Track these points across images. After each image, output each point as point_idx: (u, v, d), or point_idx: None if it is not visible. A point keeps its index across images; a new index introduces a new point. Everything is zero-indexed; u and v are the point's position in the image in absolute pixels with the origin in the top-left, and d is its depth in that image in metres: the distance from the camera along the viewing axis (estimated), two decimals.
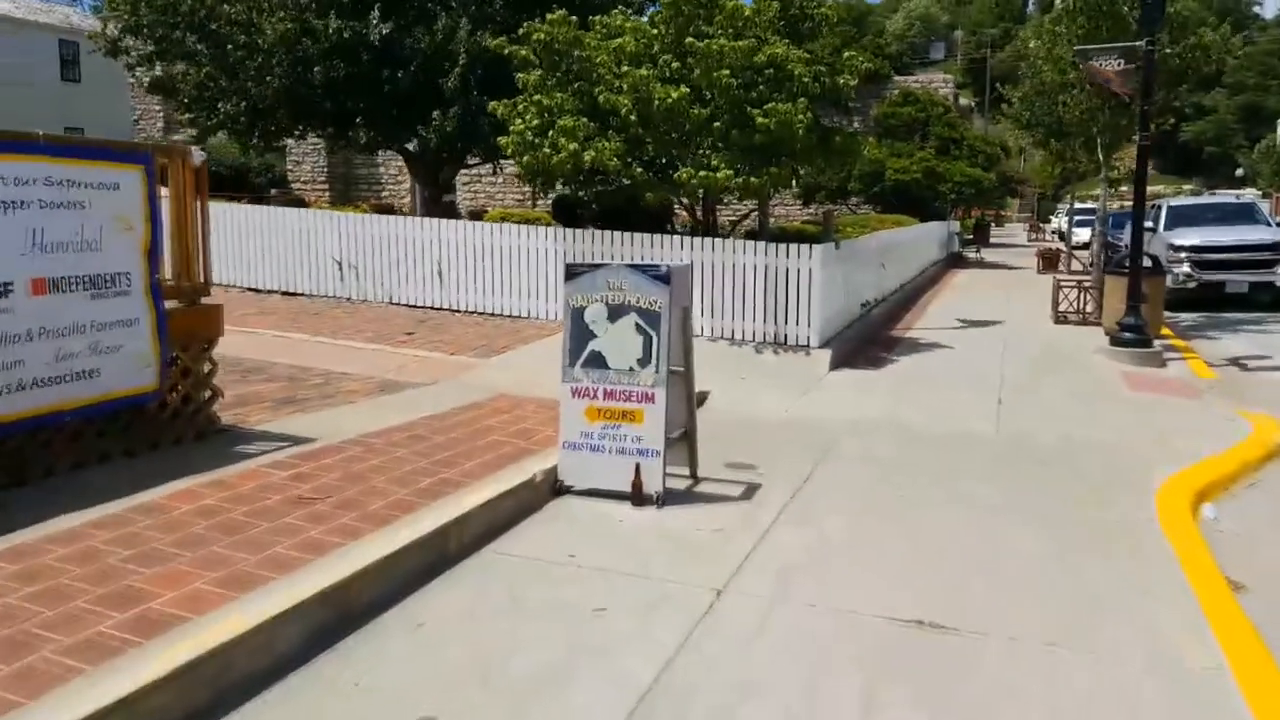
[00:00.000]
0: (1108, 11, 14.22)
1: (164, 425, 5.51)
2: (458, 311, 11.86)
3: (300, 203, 30.57)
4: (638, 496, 5.41)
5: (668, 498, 5.44)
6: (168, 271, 5.60)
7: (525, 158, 10.61)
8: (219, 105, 15.86)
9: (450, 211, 34.09)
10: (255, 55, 14.76)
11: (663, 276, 5.47)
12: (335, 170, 37.34)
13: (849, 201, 28.59)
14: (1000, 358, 10.93)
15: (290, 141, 35.08)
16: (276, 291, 12.87)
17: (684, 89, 10.13)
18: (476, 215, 32.59)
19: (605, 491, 5.50)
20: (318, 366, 8.50)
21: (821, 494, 5.79)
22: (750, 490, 5.79)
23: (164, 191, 5.46)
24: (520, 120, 10.78)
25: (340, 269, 12.46)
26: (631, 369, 5.51)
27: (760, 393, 8.62)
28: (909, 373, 10.02)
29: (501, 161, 18.70)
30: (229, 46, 14.78)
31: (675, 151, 10.79)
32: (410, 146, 18.51)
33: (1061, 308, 14.60)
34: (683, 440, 5.84)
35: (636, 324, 5.50)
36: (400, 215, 14.09)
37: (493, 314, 11.71)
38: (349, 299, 12.45)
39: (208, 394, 5.87)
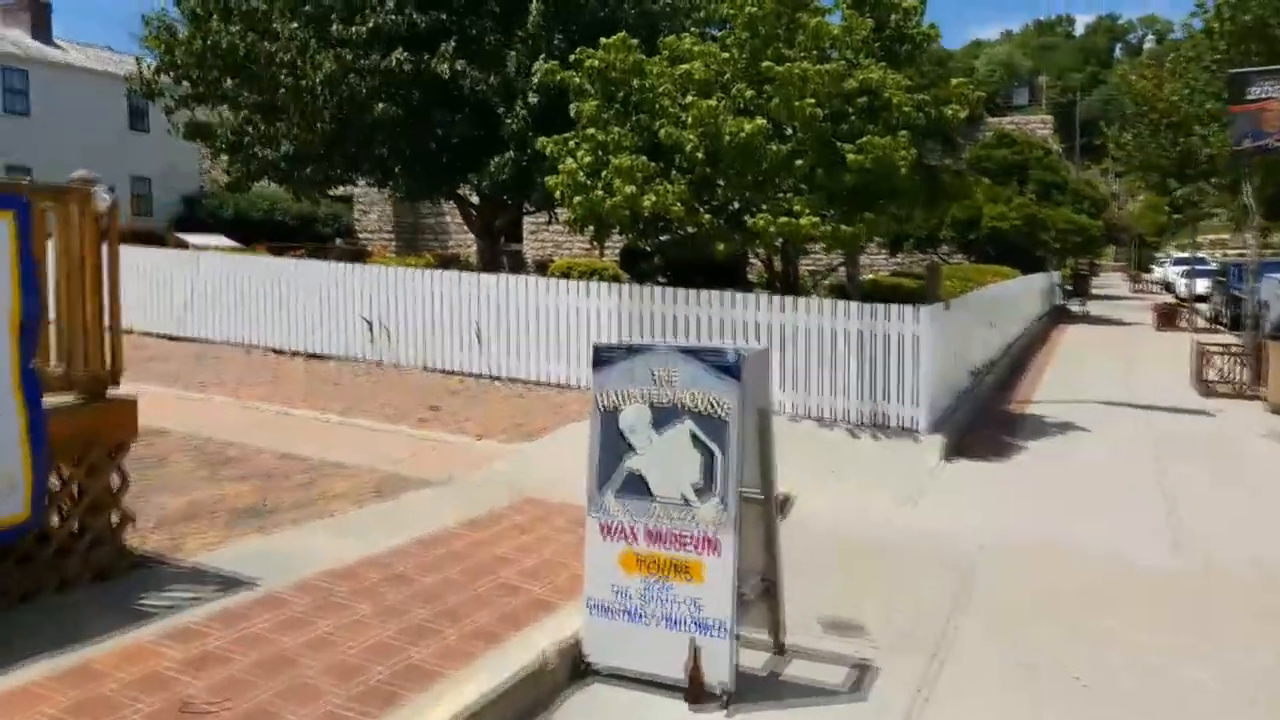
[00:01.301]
0: (1259, 33, 12.23)
1: (45, 567, 4.03)
2: (497, 379, 10.36)
3: (361, 254, 29.87)
4: (695, 691, 3.71)
5: (739, 693, 3.72)
6: (53, 355, 4.17)
7: (576, 201, 9.13)
8: (257, 150, 14.91)
9: (516, 261, 33.14)
10: (301, 97, 13.74)
11: (730, 367, 3.81)
12: (402, 219, 36.81)
13: (939, 250, 26.57)
14: (1152, 444, 8.94)
15: (357, 190, 34.80)
16: (302, 353, 11.58)
17: (760, 121, 8.55)
18: (542, 265, 31.45)
19: (647, 679, 3.81)
20: (311, 455, 7.03)
21: (967, 681, 4.00)
22: (861, 676, 4.03)
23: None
24: (571, 159, 9.32)
25: (370, 330, 11.11)
26: (686, 500, 3.84)
27: (859, 494, 6.85)
28: (1043, 465, 8.12)
29: (558, 209, 17.33)
30: (278, 90, 13.79)
31: (750, 195, 9.19)
32: (467, 194, 17.35)
33: (1208, 377, 12.44)
34: (762, 597, 4.12)
35: (693, 435, 3.84)
36: (435, 269, 12.73)
37: (536, 382, 10.17)
38: (379, 363, 11.07)
39: (115, 518, 4.38)
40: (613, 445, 3.97)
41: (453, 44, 13.52)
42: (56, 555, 4.07)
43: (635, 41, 9.48)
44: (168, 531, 5.10)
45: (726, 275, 22.65)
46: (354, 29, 13.48)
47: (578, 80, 9.68)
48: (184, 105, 15.16)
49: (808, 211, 8.54)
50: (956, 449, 8.40)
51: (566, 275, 26.99)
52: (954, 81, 10.16)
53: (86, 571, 4.20)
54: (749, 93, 8.98)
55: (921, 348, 8.49)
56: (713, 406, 3.80)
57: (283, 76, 13.41)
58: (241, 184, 16.87)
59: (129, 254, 13.81)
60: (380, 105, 13.14)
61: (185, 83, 14.94)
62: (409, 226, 37.30)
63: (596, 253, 31.66)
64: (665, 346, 3.98)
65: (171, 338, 12.53)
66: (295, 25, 13.93)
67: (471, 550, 5.08)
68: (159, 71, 14.88)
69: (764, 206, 9.05)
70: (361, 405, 8.89)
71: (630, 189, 8.60)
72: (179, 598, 4.17)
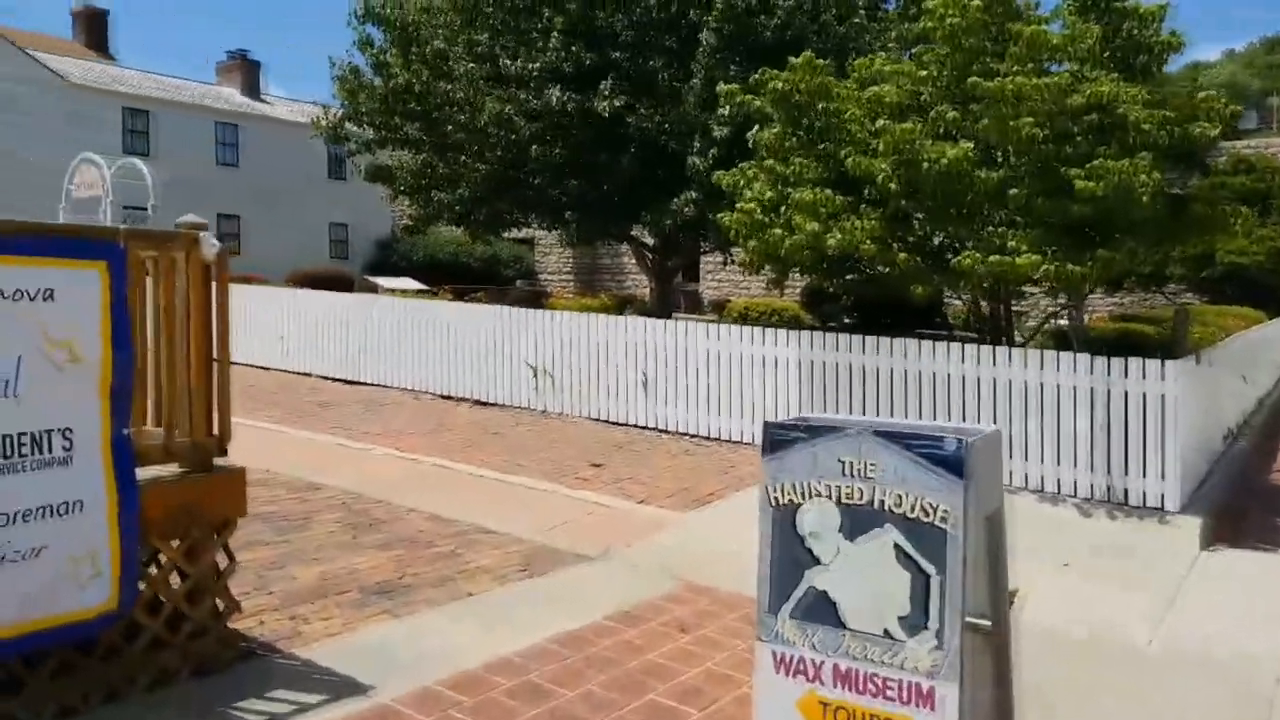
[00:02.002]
0: None
1: (136, 661, 3.58)
2: (665, 432, 9.65)
3: (539, 296, 30.23)
4: None
5: None
6: (149, 419, 3.77)
7: (752, 242, 8.34)
8: (434, 192, 15.10)
9: (693, 302, 32.69)
10: (472, 137, 13.77)
11: (950, 460, 2.86)
12: (580, 261, 37.27)
13: (1165, 289, 23.85)
14: None
15: (539, 233, 35.61)
16: (468, 400, 11.34)
17: (965, 145, 7.49)
18: (720, 306, 30.79)
19: None
20: (461, 518, 6.52)
21: None
22: None
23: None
24: (749, 191, 8.55)
25: (535, 376, 10.70)
26: (889, 635, 2.91)
27: (1101, 593, 5.61)
28: None
29: (733, 249, 16.62)
30: (447, 128, 13.91)
31: (953, 229, 8.09)
32: (640, 235, 16.96)
33: None
34: None
35: (898, 548, 2.92)
36: (602, 313, 12.23)
37: (706, 438, 9.39)
38: (544, 412, 10.63)
39: (220, 604, 3.91)
40: (790, 553, 3.10)
41: (610, 81, 13.12)
42: (150, 648, 3.61)
43: (823, 62, 8.64)
44: (290, 611, 4.63)
45: (920, 318, 21.16)
46: (520, 66, 13.37)
47: (759, 104, 8.92)
48: (367, 149, 15.61)
49: (1025, 247, 7.36)
50: (1218, 533, 6.90)
51: (744, 318, 26.13)
52: (1201, 94, 8.68)
53: (184, 666, 3.74)
54: (951, 114, 7.92)
55: (1170, 408, 7.09)
56: (926, 512, 2.87)
57: (456, 116, 13.46)
58: (421, 226, 17.20)
59: (307, 297, 14.40)
60: (538, 147, 12.90)
61: (369, 127, 15.40)
62: (587, 268, 37.71)
63: (777, 293, 30.72)
64: (860, 427, 3.08)
65: (347, 382, 12.65)
66: (471, 65, 14.00)
67: (621, 654, 4.31)
68: (345, 118, 15.39)
69: (970, 243, 7.93)
70: (521, 459, 8.39)
71: (813, 226, 7.71)
72: (279, 707, 3.63)
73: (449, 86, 14.17)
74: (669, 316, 17.32)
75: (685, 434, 9.57)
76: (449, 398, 11.55)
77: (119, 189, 21.09)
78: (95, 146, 23.65)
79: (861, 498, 2.98)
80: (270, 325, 13.80)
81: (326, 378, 12.93)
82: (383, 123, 15.13)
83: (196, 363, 3.69)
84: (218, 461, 3.89)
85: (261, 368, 13.76)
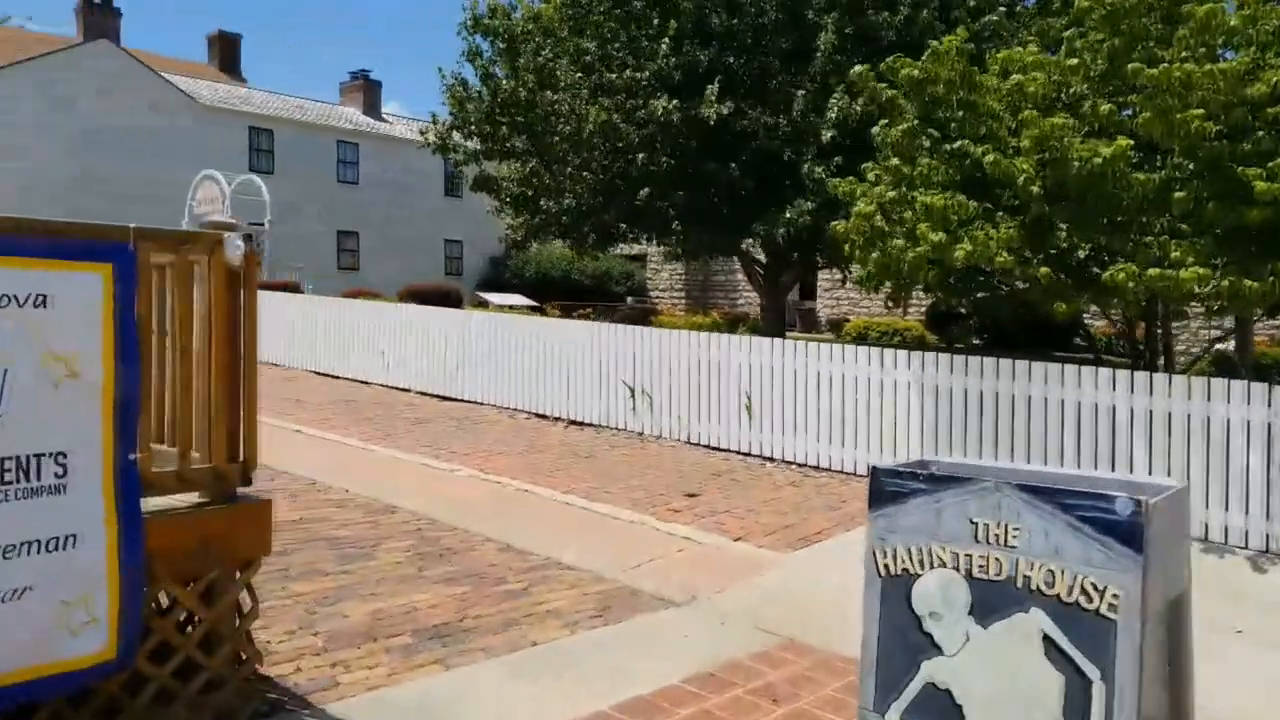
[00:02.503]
0: None
1: (139, 717, 3.18)
2: (769, 460, 8.98)
3: (648, 313, 29.90)
4: None
5: None
6: (166, 443, 3.39)
7: (873, 254, 7.62)
8: (540, 204, 14.85)
9: (808, 321, 31.68)
10: (578, 147, 13.46)
11: (1123, 527, 2.17)
12: (692, 277, 36.73)
13: None
14: None
15: (651, 248, 35.31)
16: (563, 420, 10.93)
17: (1124, 142, 6.59)
18: (837, 325, 29.74)
19: None
20: (537, 550, 6.03)
21: None
22: None
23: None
24: (865, 200, 7.84)
25: (632, 397, 10.19)
26: None
27: None
28: None
29: (850, 265, 15.78)
30: (552, 138, 13.64)
31: (1105, 239, 7.18)
32: (752, 249, 16.33)
33: None
34: None
35: (1048, 640, 2.24)
36: (705, 330, 11.66)
37: (815, 467, 8.68)
38: (640, 434, 10.11)
39: (244, 653, 3.50)
40: (902, 635, 2.45)
41: (717, 85, 12.55)
42: (155, 702, 3.21)
43: (970, 46, 7.88)
44: (333, 657, 4.21)
45: (1054, 340, 19.72)
46: (627, 74, 12.98)
47: (889, 94, 8.21)
48: (473, 160, 15.54)
49: (1190, 260, 6.41)
50: None
51: (862, 337, 25.18)
52: None
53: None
54: (1105, 109, 7.03)
55: None
56: (1088, 595, 2.18)
57: (561, 126, 13.17)
58: (526, 240, 17.02)
59: (406, 312, 14.34)
60: (644, 155, 12.43)
61: (475, 138, 15.32)
62: (699, 284, 37.14)
63: (899, 311, 29.48)
64: (998, 478, 2.40)
65: (442, 398, 12.45)
66: (578, 75, 13.71)
67: None
68: (452, 128, 15.35)
69: (1123, 255, 7.01)
70: (610, 486, 7.87)
71: (939, 236, 6.94)
72: None
73: (555, 97, 13.93)
74: (781, 336, 16.60)
75: (791, 463, 8.88)
76: (543, 417, 11.16)
77: (238, 205, 21.84)
78: (222, 164, 24.64)
79: (999, 571, 2.31)
80: (371, 340, 13.77)
81: (424, 393, 12.77)
82: (489, 133, 15.02)
83: (218, 380, 3.30)
84: (243, 491, 3.47)
85: (362, 382, 13.74)
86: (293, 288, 20.26)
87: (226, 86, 33.65)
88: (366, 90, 36.59)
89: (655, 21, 13.68)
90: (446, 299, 25.35)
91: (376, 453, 9.02)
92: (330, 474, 7.99)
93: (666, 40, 13.28)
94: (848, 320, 29.00)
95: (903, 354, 8.32)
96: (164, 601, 3.38)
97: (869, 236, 7.66)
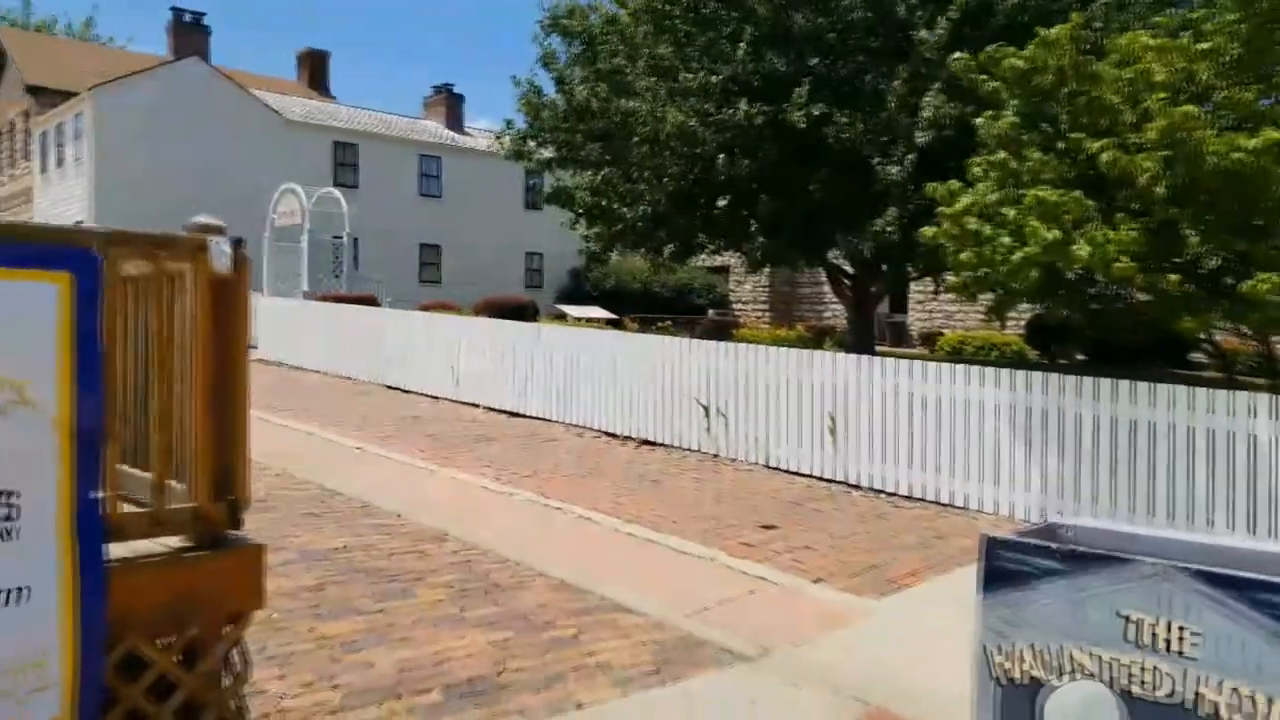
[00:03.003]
0: None
1: None
2: (854, 487, 8.30)
3: (729, 326, 29.26)
4: None
5: None
6: (133, 477, 2.96)
7: (964, 255, 6.91)
8: (615, 211, 14.41)
9: (899, 334, 30.56)
10: (653, 153, 12.99)
11: None
12: (776, 289, 35.90)
13: None
14: None
15: (733, 260, 34.63)
16: (633, 439, 10.41)
17: (1271, 134, 5.77)
18: (929, 339, 28.56)
19: None
20: (593, 589, 5.51)
21: None
22: None
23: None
24: (967, 195, 7.13)
25: (706, 416, 9.62)
26: None
27: None
28: None
29: (944, 274, 14.86)
30: (627, 142, 13.20)
31: (1245, 245, 6.33)
32: (837, 260, 15.59)
33: None
34: None
35: None
36: (787, 345, 11.00)
37: (905, 497, 7.97)
38: (714, 456, 9.53)
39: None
40: None
41: (806, 89, 11.92)
42: None
43: (1086, 31, 7.14)
44: (346, 716, 3.75)
45: (1168, 356, 18.38)
46: (703, 79, 12.46)
47: (990, 87, 7.50)
48: (547, 168, 15.22)
49: None
50: None
51: (957, 353, 24.04)
52: None
53: None
54: (1245, 96, 6.20)
55: None
56: None
57: (636, 130, 12.72)
58: (603, 251, 16.62)
59: (475, 326, 14.06)
60: (724, 158, 11.87)
61: (550, 145, 15.01)
62: (784, 297, 36.28)
63: (996, 325, 28.14)
64: (1158, 552, 1.76)
65: (511, 414, 12.08)
66: (654, 79, 13.25)
67: None
68: (526, 135, 15.07)
69: (1263, 263, 6.16)
70: (679, 514, 7.30)
71: (1053, 235, 6.20)
72: None
73: (630, 103, 13.51)
74: (870, 351, 15.79)
75: (878, 491, 8.18)
76: (612, 435, 10.67)
77: (317, 217, 22.03)
78: (308, 178, 24.98)
79: (1168, 690, 1.68)
80: (440, 354, 13.51)
81: (492, 409, 12.43)
82: (563, 140, 14.69)
83: (201, 406, 2.86)
84: (234, 536, 3.03)
85: (432, 397, 13.48)
86: (370, 301, 20.28)
87: (312, 102, 34.31)
88: (449, 104, 36.91)
89: (730, 26, 13.16)
90: (522, 312, 25.19)
91: (435, 474, 8.65)
92: (384, 496, 7.62)
93: (743, 44, 12.74)
94: (941, 334, 27.83)
95: (1005, 373, 7.56)
96: (136, 664, 2.95)
97: (962, 239, 6.94)
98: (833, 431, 8.47)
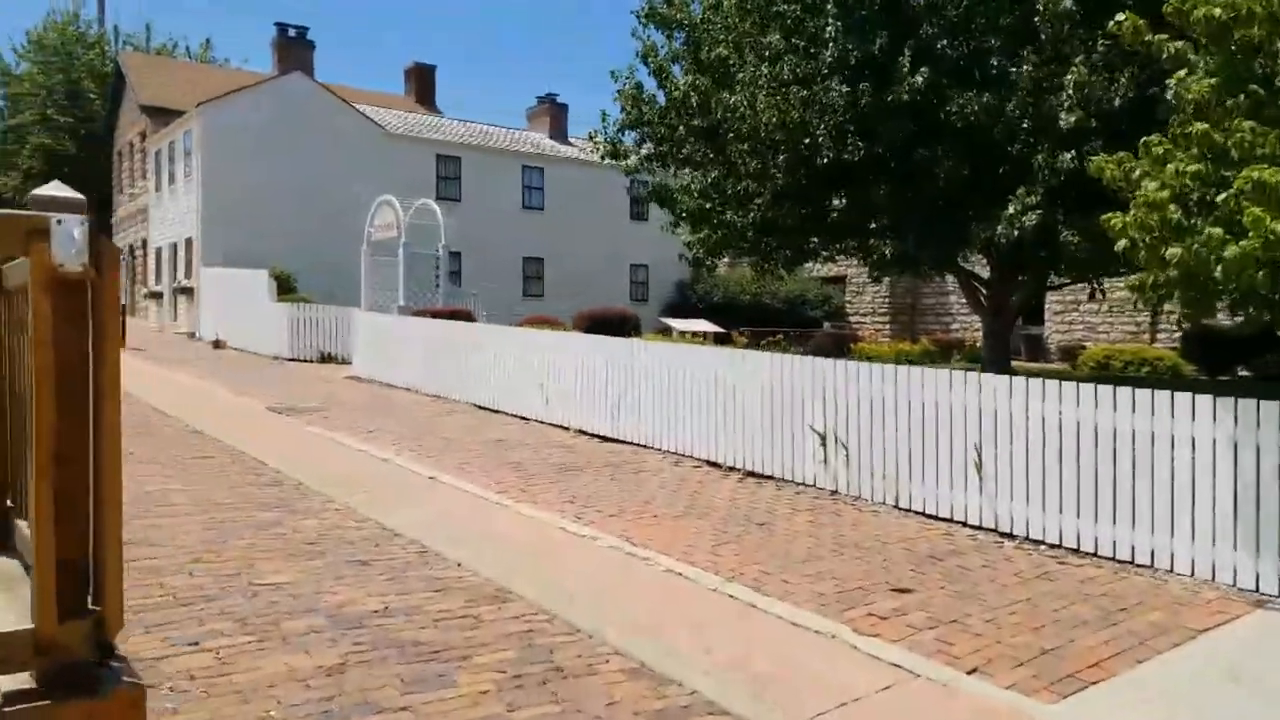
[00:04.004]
0: None
1: None
2: (1006, 537, 6.93)
3: (846, 340, 27.67)
4: None
5: None
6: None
7: (1171, 250, 5.51)
8: (720, 217, 13.30)
9: (1034, 347, 28.35)
10: (757, 149, 11.85)
11: None
12: (898, 300, 34.06)
13: None
14: None
15: (851, 270, 33.00)
16: (738, 470, 9.25)
17: None
18: (1070, 353, 26.32)
19: None
20: (680, 678, 4.38)
21: None
22: None
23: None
24: (1155, 179, 5.74)
25: (823, 446, 8.38)
26: None
27: None
28: None
29: (1103, 279, 13.18)
30: (729, 136, 12.10)
31: None
32: (970, 263, 14.08)
33: None
34: None
35: None
36: (916, 363, 9.64)
37: (1074, 550, 6.56)
38: (832, 493, 8.28)
39: None
40: None
41: (908, 57, 10.61)
42: None
43: None
44: None
45: None
46: (808, 66, 11.27)
47: (1174, 48, 6.09)
48: (646, 166, 14.27)
49: None
50: None
51: (1103, 368, 21.85)
52: None
53: None
54: None
55: None
56: None
57: (739, 125, 11.59)
58: (707, 259, 15.53)
59: (567, 342, 13.10)
60: (829, 147, 10.64)
61: (649, 141, 14.07)
62: (906, 308, 34.39)
63: (1146, 338, 25.72)
64: None
65: (602, 439, 11.08)
66: (762, 69, 12.11)
67: None
68: (624, 126, 14.15)
69: None
70: (789, 570, 6.10)
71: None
72: None
73: (733, 96, 12.41)
74: (1006, 365, 14.18)
75: (1036, 542, 6.79)
76: (715, 465, 9.53)
77: (415, 230, 21.65)
78: (410, 191, 24.75)
79: None
80: (531, 372, 12.63)
81: (583, 432, 11.45)
82: (664, 135, 13.71)
83: (40, 476, 1.87)
84: (109, 664, 2.03)
85: (521, 418, 12.62)
86: (465, 316, 19.69)
87: (415, 115, 34.39)
88: (553, 114, 36.51)
89: (834, 7, 11.95)
90: (624, 325, 24.29)
91: (509, 510, 7.67)
92: (447, 539, 6.69)
93: (837, 23, 11.52)
94: (1083, 347, 25.62)
95: (1204, 400, 6.07)
96: None
97: (1158, 232, 5.54)
98: (979, 467, 7.11)
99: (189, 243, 27.98)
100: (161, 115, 30.79)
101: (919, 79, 10.62)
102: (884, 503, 7.88)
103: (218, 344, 23.59)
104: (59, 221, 1.89)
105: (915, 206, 11.60)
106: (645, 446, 10.52)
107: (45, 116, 40.06)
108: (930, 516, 7.51)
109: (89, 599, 2.00)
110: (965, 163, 11.07)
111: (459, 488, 8.47)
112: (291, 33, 30.67)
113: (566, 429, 11.76)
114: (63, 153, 39.89)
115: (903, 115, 10.90)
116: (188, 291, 27.97)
